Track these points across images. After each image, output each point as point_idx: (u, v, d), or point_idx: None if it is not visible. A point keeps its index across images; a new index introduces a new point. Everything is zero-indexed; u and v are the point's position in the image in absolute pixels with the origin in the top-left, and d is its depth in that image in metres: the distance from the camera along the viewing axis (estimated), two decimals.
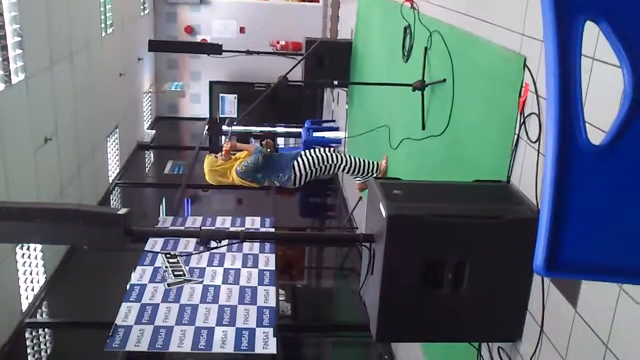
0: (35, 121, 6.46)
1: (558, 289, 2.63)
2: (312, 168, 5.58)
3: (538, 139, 2.86)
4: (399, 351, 5.51)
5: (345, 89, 8.88)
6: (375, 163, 5.89)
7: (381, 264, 2.76)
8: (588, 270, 0.84)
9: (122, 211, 2.74)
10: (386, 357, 5.66)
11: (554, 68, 0.77)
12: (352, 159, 5.80)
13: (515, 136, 3.10)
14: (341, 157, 5.75)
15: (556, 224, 0.81)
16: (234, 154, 5.63)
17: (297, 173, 5.55)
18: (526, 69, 3.02)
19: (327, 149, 5.80)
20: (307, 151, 5.73)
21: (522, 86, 3.06)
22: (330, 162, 5.65)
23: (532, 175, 2.89)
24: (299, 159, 5.59)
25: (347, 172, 5.83)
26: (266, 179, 5.58)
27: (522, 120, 3.03)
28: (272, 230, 6.98)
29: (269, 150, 5.54)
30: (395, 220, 2.68)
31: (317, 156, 5.64)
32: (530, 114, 2.94)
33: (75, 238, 2.83)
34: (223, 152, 5.59)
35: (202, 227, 3.00)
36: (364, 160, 5.83)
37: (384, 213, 2.71)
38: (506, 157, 3.18)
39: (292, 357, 6.08)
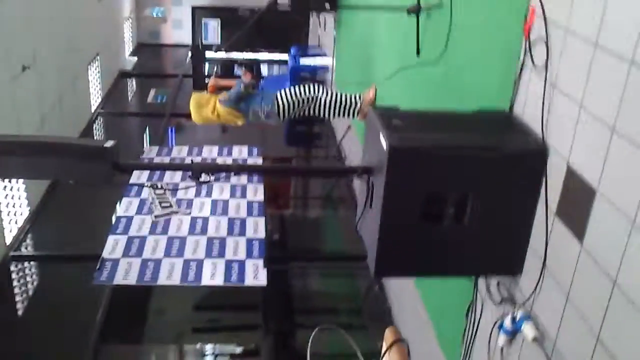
0: (11, 48, 6.19)
1: (564, 223, 2.55)
2: (295, 99, 5.69)
3: (545, 66, 2.72)
4: (389, 281, 5.50)
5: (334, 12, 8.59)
6: (358, 95, 5.85)
7: (381, 198, 2.65)
8: None
9: (109, 144, 2.60)
10: (377, 286, 5.66)
11: None
12: (335, 91, 5.88)
13: (520, 63, 2.95)
14: (324, 88, 5.82)
15: None
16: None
17: (280, 102, 5.66)
18: None
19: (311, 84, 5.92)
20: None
21: (528, 10, 2.89)
22: (313, 94, 5.74)
23: (537, 104, 2.76)
24: (282, 90, 5.73)
25: (331, 109, 5.82)
26: (250, 108, 5.66)
27: (527, 46, 2.87)
28: (260, 159, 6.90)
29: (249, 84, 5.65)
30: (397, 153, 2.56)
31: (300, 88, 5.75)
32: (537, 39, 2.79)
33: (61, 173, 2.70)
34: (208, 90, 5.88)
35: (193, 160, 2.88)
36: (346, 94, 5.85)
37: (384, 145, 2.59)
38: (509, 85, 3.04)
39: (283, 288, 6.06)
